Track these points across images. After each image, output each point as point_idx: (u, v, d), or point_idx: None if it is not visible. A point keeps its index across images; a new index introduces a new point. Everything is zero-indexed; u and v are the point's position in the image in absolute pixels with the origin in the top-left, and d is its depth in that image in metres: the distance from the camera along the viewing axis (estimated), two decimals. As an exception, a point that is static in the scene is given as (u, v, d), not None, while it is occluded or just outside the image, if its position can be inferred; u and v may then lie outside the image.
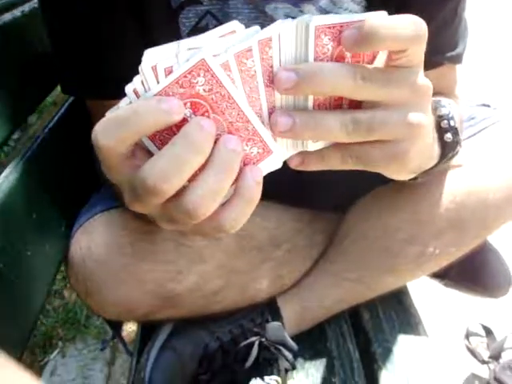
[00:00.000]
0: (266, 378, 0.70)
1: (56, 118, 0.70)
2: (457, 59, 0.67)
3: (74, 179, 0.70)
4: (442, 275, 0.86)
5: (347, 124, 0.35)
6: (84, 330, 1.41)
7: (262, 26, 0.34)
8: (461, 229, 0.69)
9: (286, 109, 0.36)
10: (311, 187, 0.74)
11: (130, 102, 0.33)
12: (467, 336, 1.17)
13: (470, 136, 0.72)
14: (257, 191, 0.35)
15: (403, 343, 0.75)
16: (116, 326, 0.75)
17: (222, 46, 0.33)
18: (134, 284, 0.59)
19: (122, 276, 0.58)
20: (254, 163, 0.36)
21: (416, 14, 0.64)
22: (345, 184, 0.73)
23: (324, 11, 0.61)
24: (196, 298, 0.64)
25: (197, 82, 0.32)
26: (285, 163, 0.39)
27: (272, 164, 0.37)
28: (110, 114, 0.33)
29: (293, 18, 0.56)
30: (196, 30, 0.59)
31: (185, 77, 0.32)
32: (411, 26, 0.34)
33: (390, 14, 0.65)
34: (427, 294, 1.16)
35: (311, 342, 0.75)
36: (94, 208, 0.64)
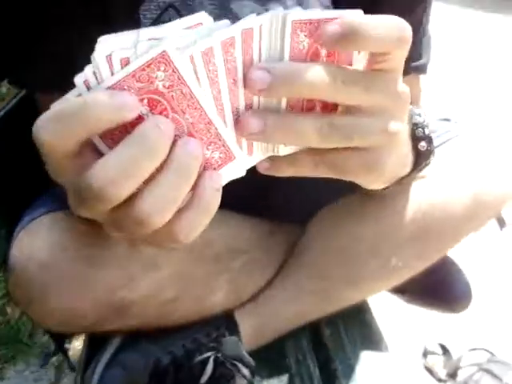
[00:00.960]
0: (222, 396, 0.66)
1: (2, 112, 0.65)
2: (422, 69, 0.67)
3: (17, 179, 0.64)
4: (403, 290, 0.84)
5: (323, 128, 0.32)
6: (26, 349, 1.32)
7: None
8: (424, 241, 0.68)
9: (255, 110, 0.33)
10: (273, 198, 0.71)
11: (79, 95, 0.30)
12: (425, 354, 1.17)
13: None
14: (215, 199, 0.32)
15: (365, 360, 0.73)
16: (59, 339, 0.69)
17: (187, 39, 0.29)
18: (79, 291, 0.54)
19: (67, 282, 0.54)
20: (214, 169, 0.33)
21: None
22: (307, 196, 0.72)
23: None
24: (148, 307, 0.59)
25: (156, 77, 0.29)
26: (247, 171, 0.36)
27: (234, 171, 0.34)
28: (55, 107, 0.29)
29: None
30: (157, 23, 0.56)
31: (143, 70, 0.29)
32: (396, 29, 0.32)
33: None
34: (387, 310, 1.14)
35: (270, 358, 0.72)
36: (39, 209, 0.59)
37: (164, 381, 0.62)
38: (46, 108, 0.62)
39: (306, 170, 0.35)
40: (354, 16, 0.32)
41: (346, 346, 0.74)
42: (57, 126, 0.29)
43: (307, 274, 0.70)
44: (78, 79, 0.30)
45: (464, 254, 0.98)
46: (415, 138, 0.50)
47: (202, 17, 0.30)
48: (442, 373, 1.14)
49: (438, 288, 0.83)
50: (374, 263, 0.69)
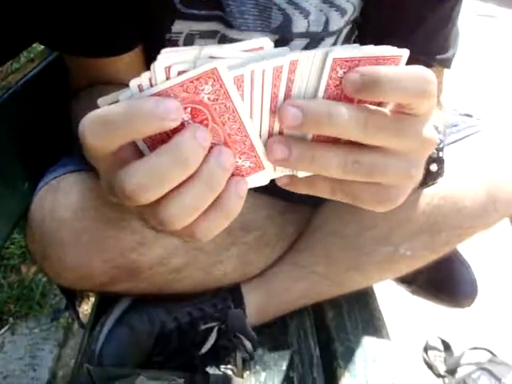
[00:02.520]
0: (222, 366, 0.68)
1: (32, 73, 0.67)
2: (446, 63, 0.67)
3: (43, 138, 0.66)
4: (410, 281, 0.85)
5: (347, 164, 0.33)
6: (37, 308, 1.36)
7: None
8: (433, 233, 0.68)
9: (286, 135, 0.34)
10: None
11: (131, 97, 0.31)
12: (426, 349, 1.18)
13: (451, 142, 0.72)
14: (238, 205, 0.33)
15: (365, 344, 0.74)
16: (71, 296, 0.71)
17: (239, 61, 0.31)
18: (94, 249, 0.56)
19: (83, 239, 0.55)
20: (242, 175, 0.34)
21: (411, 14, 0.64)
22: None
23: None
24: (158, 272, 0.61)
25: (203, 89, 0.30)
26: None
27: (260, 180, 0.35)
28: (101, 110, 0.30)
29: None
30: None
31: (191, 82, 0.30)
32: (420, 82, 0.32)
33: (384, 12, 0.64)
34: (392, 300, 1.15)
35: (272, 335, 0.73)
36: (63, 168, 0.61)
37: (167, 345, 0.64)
38: (74, 69, 0.63)
39: (322, 193, 0.36)
40: (380, 68, 0.32)
41: (348, 329, 0.75)
42: (102, 130, 0.30)
43: (315, 256, 0.71)
44: (133, 82, 0.31)
45: (474, 252, 0.98)
46: (428, 159, 0.50)
47: (264, 42, 0.32)
48: (442, 368, 1.14)
49: (444, 282, 0.84)
50: (382, 251, 0.70)
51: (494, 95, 2.18)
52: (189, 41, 0.59)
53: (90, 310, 1.18)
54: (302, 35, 0.61)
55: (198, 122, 0.31)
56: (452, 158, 0.68)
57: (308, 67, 0.32)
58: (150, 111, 0.28)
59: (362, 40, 0.67)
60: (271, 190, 0.71)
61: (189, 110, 0.31)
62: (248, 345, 0.68)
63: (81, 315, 1.20)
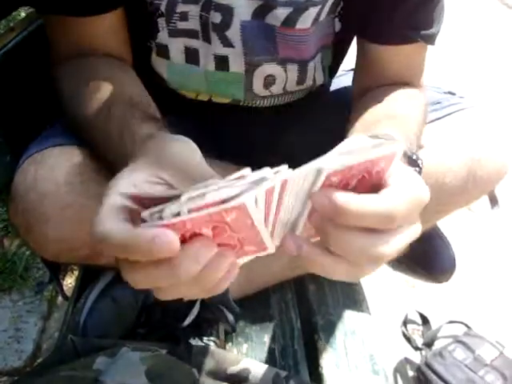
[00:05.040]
0: (204, 338, 0.69)
1: (12, 43, 0.66)
2: (430, 39, 0.67)
3: (25, 109, 0.66)
4: (390, 257, 0.87)
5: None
6: (21, 281, 1.35)
7: None
8: None
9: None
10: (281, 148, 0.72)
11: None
12: (405, 323, 1.20)
13: (434, 120, 0.73)
14: (222, 287, 0.35)
15: (345, 317, 0.75)
16: (55, 269, 0.71)
17: (240, 187, 0.31)
18: (78, 223, 0.56)
19: (67, 213, 0.55)
20: (245, 255, 0.36)
21: None
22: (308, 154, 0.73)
23: None
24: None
25: (228, 215, 0.31)
26: None
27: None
28: (107, 231, 0.33)
29: None
30: None
31: (218, 213, 0.31)
32: (381, 219, 0.33)
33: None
34: (373, 275, 1.17)
35: (254, 308, 0.75)
36: (47, 141, 0.60)
37: (151, 317, 0.65)
38: (53, 38, 0.62)
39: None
40: (349, 198, 0.32)
41: (329, 302, 0.76)
42: (106, 249, 0.32)
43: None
44: (144, 213, 0.33)
45: (453, 228, 1.00)
46: (408, 160, 0.52)
47: (245, 171, 0.32)
48: (419, 341, 1.17)
49: (424, 257, 0.86)
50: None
51: (477, 73, 2.19)
52: (171, 6, 0.58)
53: (73, 283, 1.18)
54: (286, 4, 0.60)
55: (216, 233, 0.32)
56: (434, 135, 0.69)
57: (300, 183, 0.33)
58: (147, 246, 0.30)
59: (347, 13, 0.66)
60: (264, 162, 0.72)
61: (211, 227, 0.32)
62: (230, 317, 0.69)
63: (65, 288, 1.20)
